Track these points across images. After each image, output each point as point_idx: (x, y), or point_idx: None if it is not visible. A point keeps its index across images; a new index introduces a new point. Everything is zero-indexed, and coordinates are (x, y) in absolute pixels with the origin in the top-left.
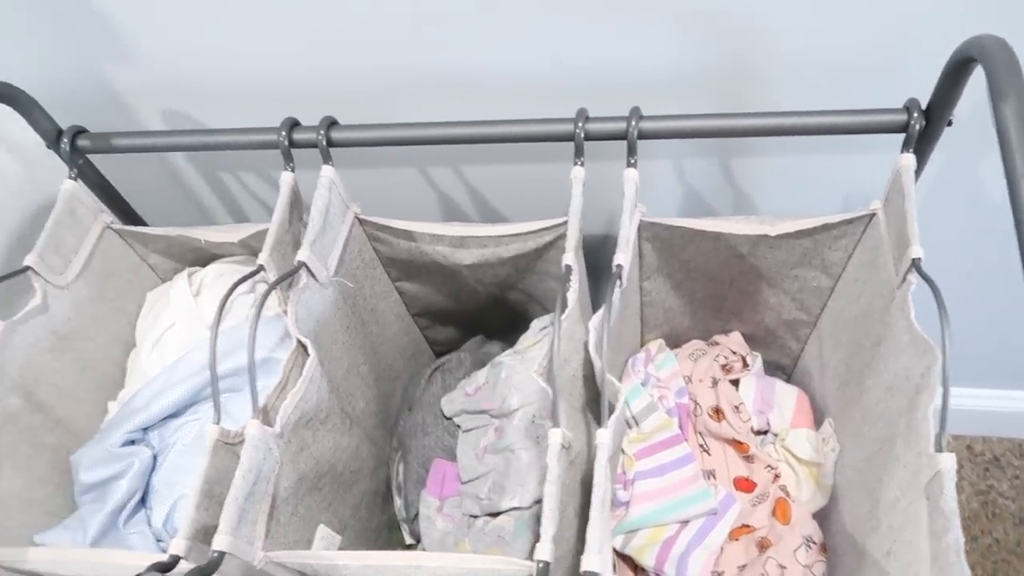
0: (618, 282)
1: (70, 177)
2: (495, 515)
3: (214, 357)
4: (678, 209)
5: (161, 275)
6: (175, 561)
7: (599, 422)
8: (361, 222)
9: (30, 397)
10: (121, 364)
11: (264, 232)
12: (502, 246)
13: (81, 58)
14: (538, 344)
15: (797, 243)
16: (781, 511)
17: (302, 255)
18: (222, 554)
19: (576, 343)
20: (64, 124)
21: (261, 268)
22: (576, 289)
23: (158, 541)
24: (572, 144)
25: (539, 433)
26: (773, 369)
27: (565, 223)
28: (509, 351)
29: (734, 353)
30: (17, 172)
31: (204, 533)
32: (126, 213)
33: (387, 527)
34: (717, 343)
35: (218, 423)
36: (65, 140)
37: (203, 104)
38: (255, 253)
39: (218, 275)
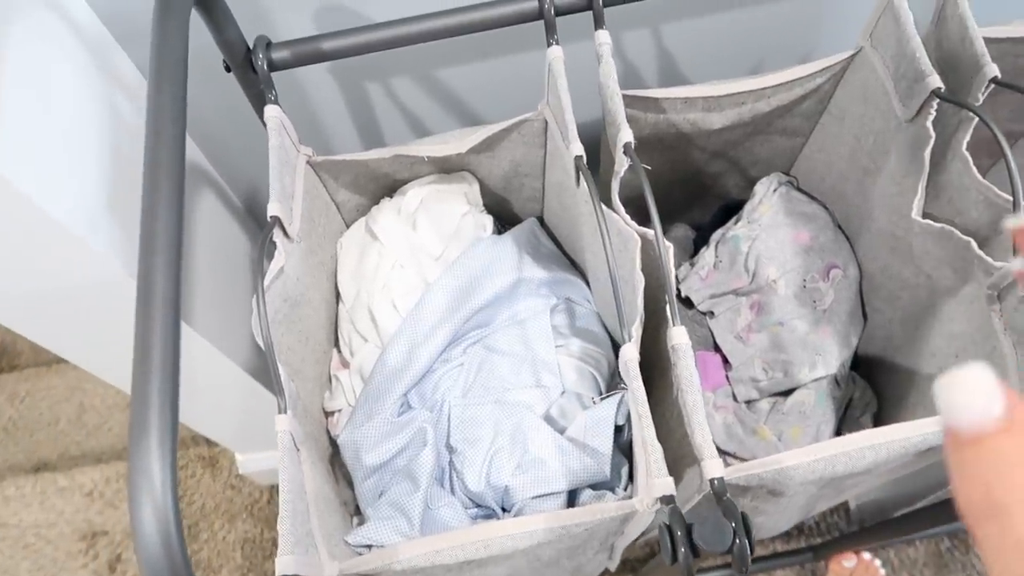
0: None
1: (270, 101)
2: (786, 393)
3: (614, 265)
4: None
5: (346, 216)
6: (671, 500)
7: None
8: None
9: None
10: (327, 329)
11: (491, 137)
12: (763, 100)
13: None
14: (773, 208)
15: None
16: None
17: (627, 136)
18: (720, 480)
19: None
20: None
21: (580, 159)
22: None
23: (466, 508)
24: None
25: (814, 298)
26: None
27: (843, 61)
28: (736, 224)
29: None
30: (129, 110)
31: None
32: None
33: None
34: None
35: (629, 341)
36: (260, 55)
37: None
38: (446, 171)
39: (423, 200)
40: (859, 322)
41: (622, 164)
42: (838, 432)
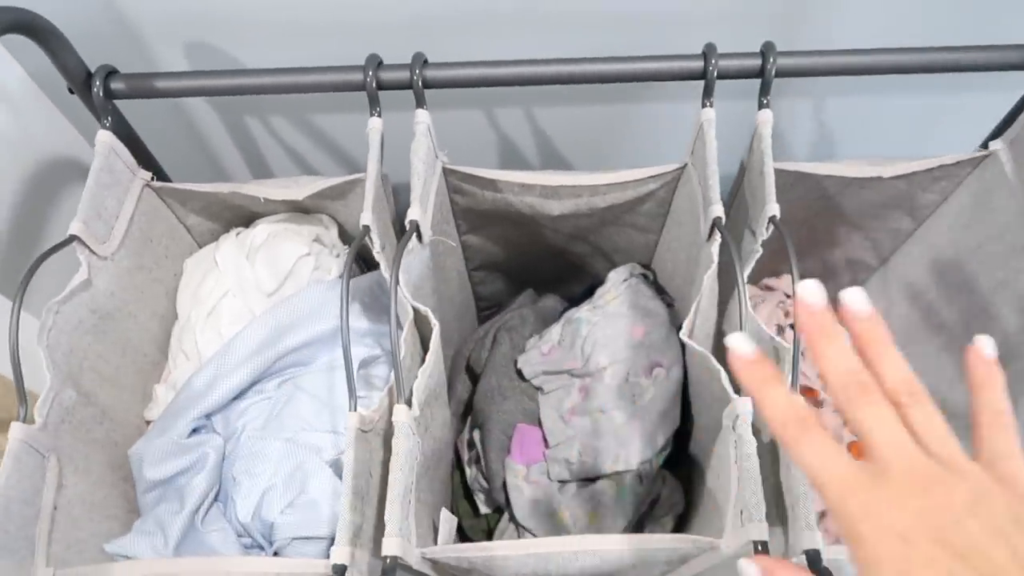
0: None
1: (104, 126)
2: (592, 480)
3: (347, 334)
4: None
5: (197, 238)
6: (342, 571)
7: None
8: (446, 172)
9: (79, 388)
10: (159, 342)
11: (334, 188)
12: (598, 195)
13: None
14: (619, 298)
15: (893, 185)
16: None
17: (414, 213)
18: (395, 559)
19: (715, 298)
20: None
21: (367, 228)
22: (719, 243)
23: (239, 536)
24: (649, 84)
25: (634, 392)
26: None
27: (673, 172)
28: (585, 306)
29: (788, 296)
30: (7, 121)
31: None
32: (153, 168)
33: (454, 497)
34: (770, 287)
35: (355, 410)
36: (97, 83)
37: (230, 40)
38: (305, 210)
39: (269, 236)
40: (672, 423)
41: (410, 239)
42: (639, 528)
